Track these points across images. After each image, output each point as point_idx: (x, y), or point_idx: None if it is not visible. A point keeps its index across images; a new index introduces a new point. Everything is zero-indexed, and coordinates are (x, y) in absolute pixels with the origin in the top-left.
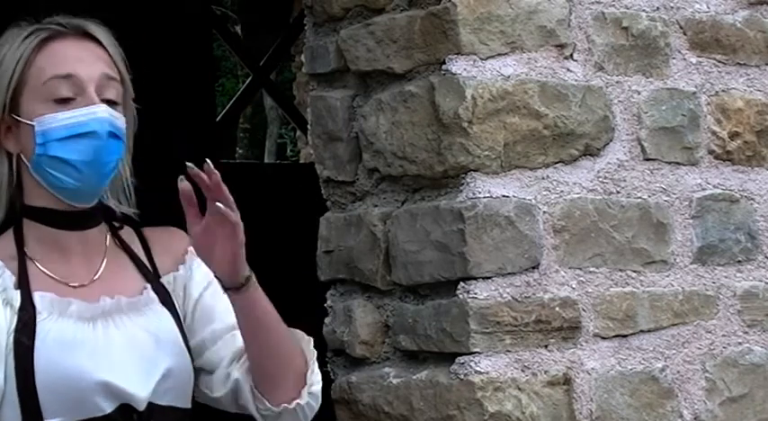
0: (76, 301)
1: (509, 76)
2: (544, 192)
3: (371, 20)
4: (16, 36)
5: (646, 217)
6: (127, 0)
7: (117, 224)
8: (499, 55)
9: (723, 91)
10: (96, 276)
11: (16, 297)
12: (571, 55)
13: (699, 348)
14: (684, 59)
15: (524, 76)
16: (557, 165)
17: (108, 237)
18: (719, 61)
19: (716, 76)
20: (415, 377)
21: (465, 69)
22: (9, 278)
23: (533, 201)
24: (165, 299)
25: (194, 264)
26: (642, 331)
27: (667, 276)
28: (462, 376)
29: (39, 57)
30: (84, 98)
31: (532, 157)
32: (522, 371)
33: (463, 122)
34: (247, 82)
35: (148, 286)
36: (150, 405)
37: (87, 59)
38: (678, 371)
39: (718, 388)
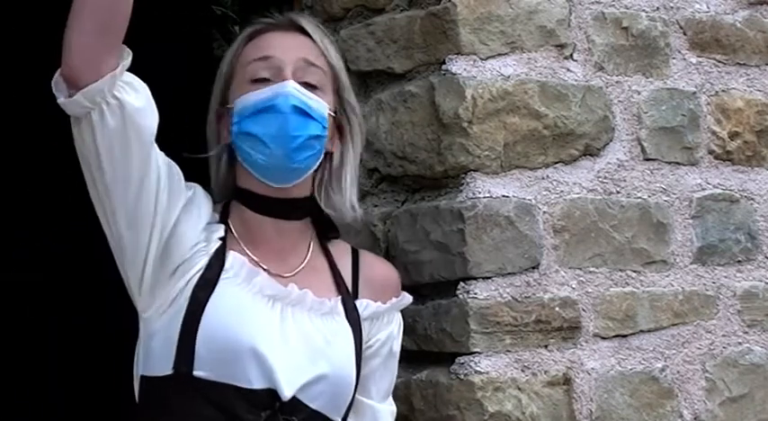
0: (264, 275)
1: (509, 76)
2: (544, 192)
3: (371, 20)
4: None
5: (646, 217)
6: None
7: (329, 234)
8: (499, 55)
9: (723, 91)
10: (293, 273)
11: (216, 244)
12: (571, 55)
13: (699, 348)
14: (684, 59)
15: (524, 76)
16: (557, 165)
17: (313, 241)
18: (719, 61)
19: (716, 76)
20: (415, 377)
21: (465, 69)
22: (219, 229)
23: (533, 201)
24: (353, 317)
25: (397, 316)
26: (642, 331)
27: (667, 276)
28: (462, 376)
29: (246, 48)
30: (279, 78)
31: (532, 157)
32: (522, 371)
33: (463, 122)
34: None
35: (338, 298)
36: (296, 400)
37: (289, 45)
38: (678, 371)
39: (718, 388)
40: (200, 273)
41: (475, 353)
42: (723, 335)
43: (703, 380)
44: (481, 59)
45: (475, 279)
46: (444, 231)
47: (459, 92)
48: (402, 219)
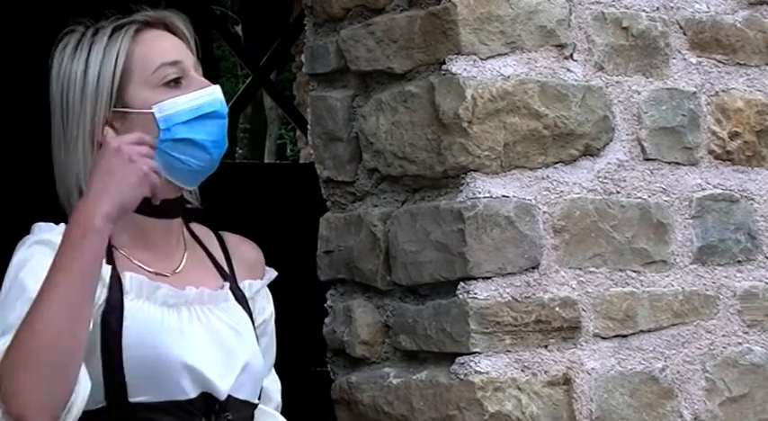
0: (165, 286)
1: (509, 76)
2: (544, 192)
3: (371, 20)
4: (100, 37)
5: (646, 217)
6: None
7: (190, 220)
8: (499, 55)
9: (723, 91)
10: (179, 268)
11: (107, 271)
12: (571, 55)
13: (699, 348)
14: (684, 59)
15: (524, 76)
16: (557, 165)
17: (184, 230)
18: (719, 61)
19: (716, 76)
20: (415, 377)
21: (465, 69)
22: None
23: (533, 201)
24: (242, 300)
25: (267, 292)
26: (642, 331)
27: (667, 276)
28: (462, 376)
29: (138, 47)
30: (189, 81)
31: (532, 157)
32: (522, 371)
33: (463, 122)
34: (247, 82)
35: (226, 285)
36: (229, 397)
37: (181, 48)
38: (678, 371)
39: (718, 388)
40: (103, 301)
41: (475, 353)
42: (723, 335)
43: (703, 380)
44: (481, 59)
45: (475, 279)
46: (444, 231)
47: (459, 92)
48: (402, 219)
